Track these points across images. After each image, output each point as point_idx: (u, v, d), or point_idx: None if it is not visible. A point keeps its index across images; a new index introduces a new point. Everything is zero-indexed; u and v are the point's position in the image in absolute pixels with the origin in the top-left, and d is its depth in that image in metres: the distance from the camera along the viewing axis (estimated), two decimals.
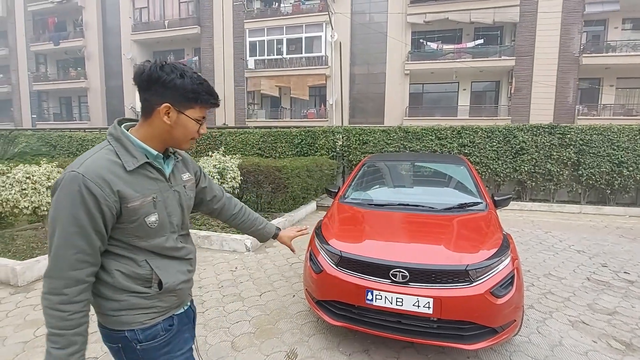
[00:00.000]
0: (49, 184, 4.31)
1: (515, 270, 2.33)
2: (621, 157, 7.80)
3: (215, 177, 5.22)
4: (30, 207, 4.13)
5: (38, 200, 4.18)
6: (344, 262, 2.40)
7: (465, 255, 2.28)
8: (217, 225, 5.38)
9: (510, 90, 16.40)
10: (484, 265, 2.20)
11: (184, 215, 1.21)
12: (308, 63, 17.93)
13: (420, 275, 2.20)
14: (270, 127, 10.46)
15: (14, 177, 4.10)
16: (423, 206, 3.05)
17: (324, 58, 17.81)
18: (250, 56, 18.79)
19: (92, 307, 1.04)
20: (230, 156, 5.66)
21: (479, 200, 3.14)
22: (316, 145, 9.35)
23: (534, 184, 8.44)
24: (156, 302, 1.08)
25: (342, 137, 9.40)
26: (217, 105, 1.15)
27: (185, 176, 1.23)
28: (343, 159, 9.50)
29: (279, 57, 18.38)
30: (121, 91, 22.10)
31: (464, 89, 17.88)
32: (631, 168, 7.77)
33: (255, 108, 19.75)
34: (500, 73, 17.14)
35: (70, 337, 0.93)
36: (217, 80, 19.70)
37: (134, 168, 1.02)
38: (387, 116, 17.62)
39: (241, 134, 9.96)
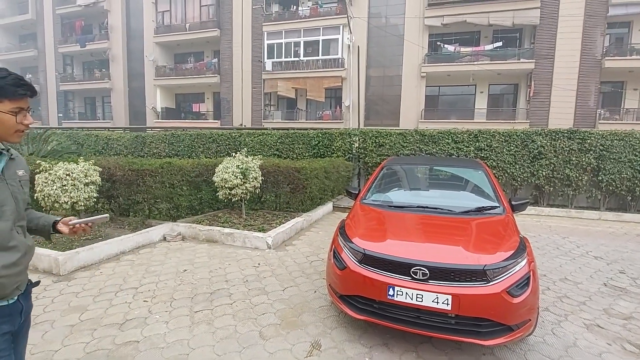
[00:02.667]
0: (87, 180, 4.62)
1: (531, 272, 2.44)
2: None
3: (238, 176, 5.45)
4: (69, 202, 4.43)
5: (76, 196, 4.48)
6: (367, 259, 2.56)
7: (483, 256, 2.40)
8: (239, 224, 5.61)
9: (529, 93, 16.19)
10: (501, 266, 2.32)
11: (19, 207, 1.31)
12: (324, 65, 18.14)
13: (440, 274, 2.33)
14: (287, 129, 10.69)
15: (56, 174, 4.41)
16: (442, 209, 3.18)
17: (340, 60, 17.98)
18: (267, 58, 19.12)
19: None
20: (252, 157, 5.88)
21: (497, 204, 3.24)
22: (333, 147, 9.52)
23: (551, 189, 8.39)
24: None
25: (359, 140, 9.54)
26: (31, 94, 1.25)
27: (21, 172, 1.37)
28: (359, 161, 9.64)
29: (296, 59, 18.66)
30: (143, 92, 22.82)
31: (481, 92, 17.74)
32: None
33: (271, 109, 20.07)
34: (518, 76, 16.95)
35: None
36: (235, 82, 20.15)
37: None
38: (402, 118, 17.64)
39: (259, 135, 10.22)
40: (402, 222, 3.04)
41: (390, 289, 2.39)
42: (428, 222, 3.02)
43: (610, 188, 8.00)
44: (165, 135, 11.20)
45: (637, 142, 7.75)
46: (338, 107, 18.85)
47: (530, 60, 15.79)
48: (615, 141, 7.87)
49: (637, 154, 7.75)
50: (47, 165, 4.50)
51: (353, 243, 2.71)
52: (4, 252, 1.22)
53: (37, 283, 1.47)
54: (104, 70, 23.89)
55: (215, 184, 5.67)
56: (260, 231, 5.19)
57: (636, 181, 7.79)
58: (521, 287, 2.33)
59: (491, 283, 2.28)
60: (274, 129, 11.13)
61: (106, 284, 3.68)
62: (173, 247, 4.93)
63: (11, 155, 1.33)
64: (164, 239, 5.24)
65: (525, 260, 2.47)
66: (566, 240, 5.98)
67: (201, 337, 2.71)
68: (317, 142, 9.65)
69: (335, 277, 2.74)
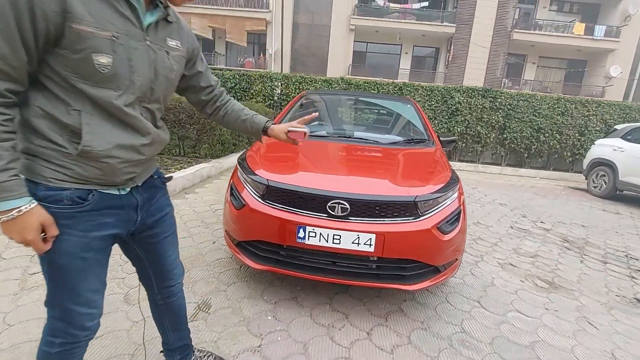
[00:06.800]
0: None
1: (462, 208, 2.11)
2: (540, 124, 8.43)
3: None
4: None
5: None
6: (271, 193, 1.94)
7: (412, 188, 1.97)
8: None
9: (449, 58, 16.85)
10: (432, 198, 1.92)
11: (156, 83, 0.98)
12: (247, 4, 16.21)
13: (363, 209, 1.84)
14: None
15: None
16: (367, 139, 2.69)
17: (265, 0, 16.21)
18: None
19: None
20: None
21: (426, 138, 2.88)
22: (252, 91, 8.51)
23: (464, 145, 8.81)
24: (71, 165, 0.89)
25: (281, 85, 8.67)
26: None
27: (173, 43, 1.03)
28: (281, 109, 8.83)
29: None
30: None
31: (406, 53, 17.95)
32: (547, 134, 8.47)
33: None
34: (440, 39, 17.44)
35: None
36: None
37: None
38: (329, 73, 17.00)
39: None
40: (320, 152, 2.48)
41: (301, 230, 1.83)
42: (351, 152, 2.51)
43: (512, 145, 8.70)
44: None
45: (538, 104, 8.43)
46: (262, 55, 17.34)
47: (452, 25, 16.26)
48: (520, 101, 8.44)
49: (536, 114, 8.45)
50: None
51: (256, 175, 2.05)
52: (121, 131, 0.93)
53: (169, 178, 1.24)
54: None
55: None
56: None
57: (532, 140, 8.57)
58: (452, 222, 1.98)
59: (421, 218, 1.88)
60: None
61: None
62: None
63: (168, 15, 0.99)
64: None
65: (456, 194, 2.12)
66: (475, 190, 6.25)
67: (29, 308, 1.86)
68: (233, 84, 8.50)
69: (231, 220, 2.09)
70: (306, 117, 1.41)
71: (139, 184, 1.06)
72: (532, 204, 5.59)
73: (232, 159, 6.12)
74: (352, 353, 1.72)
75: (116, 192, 0.99)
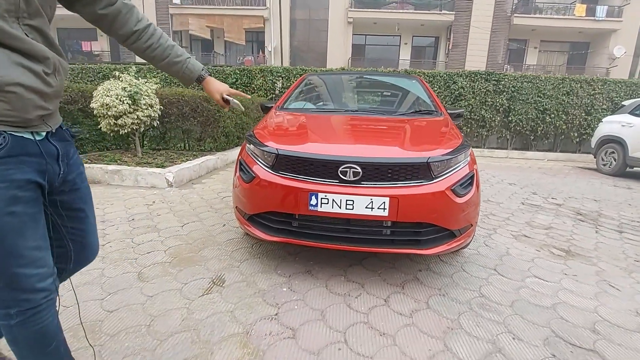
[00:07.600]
0: None
1: (475, 172, 2.07)
2: (545, 105, 8.32)
3: (125, 101, 4.26)
4: None
5: None
6: (281, 163, 1.91)
7: (424, 151, 1.94)
8: (132, 162, 4.51)
9: (448, 46, 16.71)
10: (445, 159, 1.88)
11: None
12: (244, 2, 16.18)
13: (375, 172, 1.81)
14: None
15: None
16: (375, 111, 2.66)
17: None
18: None
19: None
20: (146, 80, 4.67)
21: (434, 109, 2.83)
22: (253, 85, 8.49)
23: (469, 130, 8.73)
24: None
25: (282, 78, 8.64)
26: None
27: None
28: None
29: None
30: None
31: (406, 43, 17.82)
32: (553, 115, 8.36)
33: None
34: (439, 28, 17.29)
35: None
36: None
37: None
38: (329, 67, 16.94)
39: (169, 75, 8.62)
40: (327, 124, 2.44)
41: (313, 197, 1.80)
42: (359, 123, 2.47)
43: (518, 128, 8.60)
44: None
45: (543, 84, 8.32)
46: (261, 53, 17.31)
47: (451, 12, 16.10)
48: (524, 83, 8.34)
49: (541, 95, 8.34)
50: None
51: (265, 146, 2.03)
52: (13, 54, 0.74)
53: (78, 132, 0.89)
54: None
55: (95, 112, 4.40)
56: (159, 166, 4.21)
57: (538, 121, 8.46)
58: (465, 186, 1.95)
59: (435, 180, 1.84)
60: None
61: None
62: None
63: None
64: None
65: (468, 158, 2.09)
66: (483, 173, 6.19)
67: None
68: (234, 80, 8.49)
69: (241, 194, 2.07)
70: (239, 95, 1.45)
71: (53, 130, 0.90)
72: (541, 182, 5.52)
73: (236, 152, 6.11)
74: (370, 318, 1.69)
75: (31, 137, 0.83)
